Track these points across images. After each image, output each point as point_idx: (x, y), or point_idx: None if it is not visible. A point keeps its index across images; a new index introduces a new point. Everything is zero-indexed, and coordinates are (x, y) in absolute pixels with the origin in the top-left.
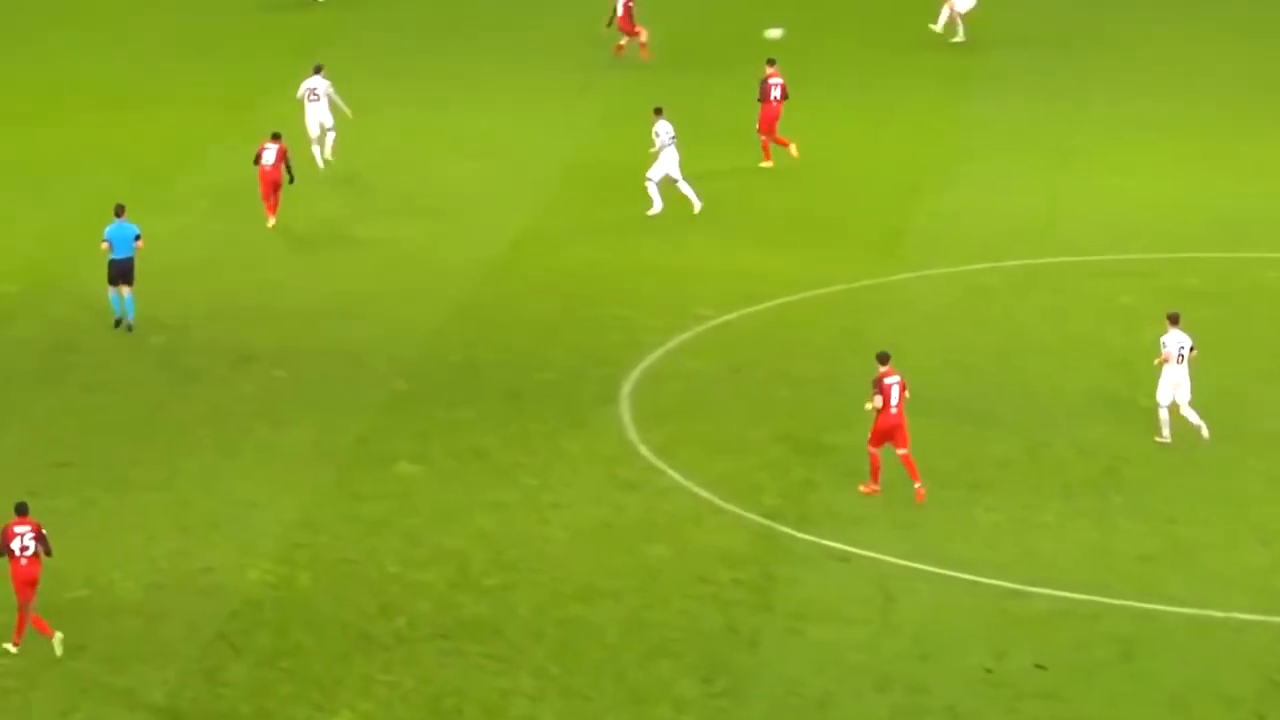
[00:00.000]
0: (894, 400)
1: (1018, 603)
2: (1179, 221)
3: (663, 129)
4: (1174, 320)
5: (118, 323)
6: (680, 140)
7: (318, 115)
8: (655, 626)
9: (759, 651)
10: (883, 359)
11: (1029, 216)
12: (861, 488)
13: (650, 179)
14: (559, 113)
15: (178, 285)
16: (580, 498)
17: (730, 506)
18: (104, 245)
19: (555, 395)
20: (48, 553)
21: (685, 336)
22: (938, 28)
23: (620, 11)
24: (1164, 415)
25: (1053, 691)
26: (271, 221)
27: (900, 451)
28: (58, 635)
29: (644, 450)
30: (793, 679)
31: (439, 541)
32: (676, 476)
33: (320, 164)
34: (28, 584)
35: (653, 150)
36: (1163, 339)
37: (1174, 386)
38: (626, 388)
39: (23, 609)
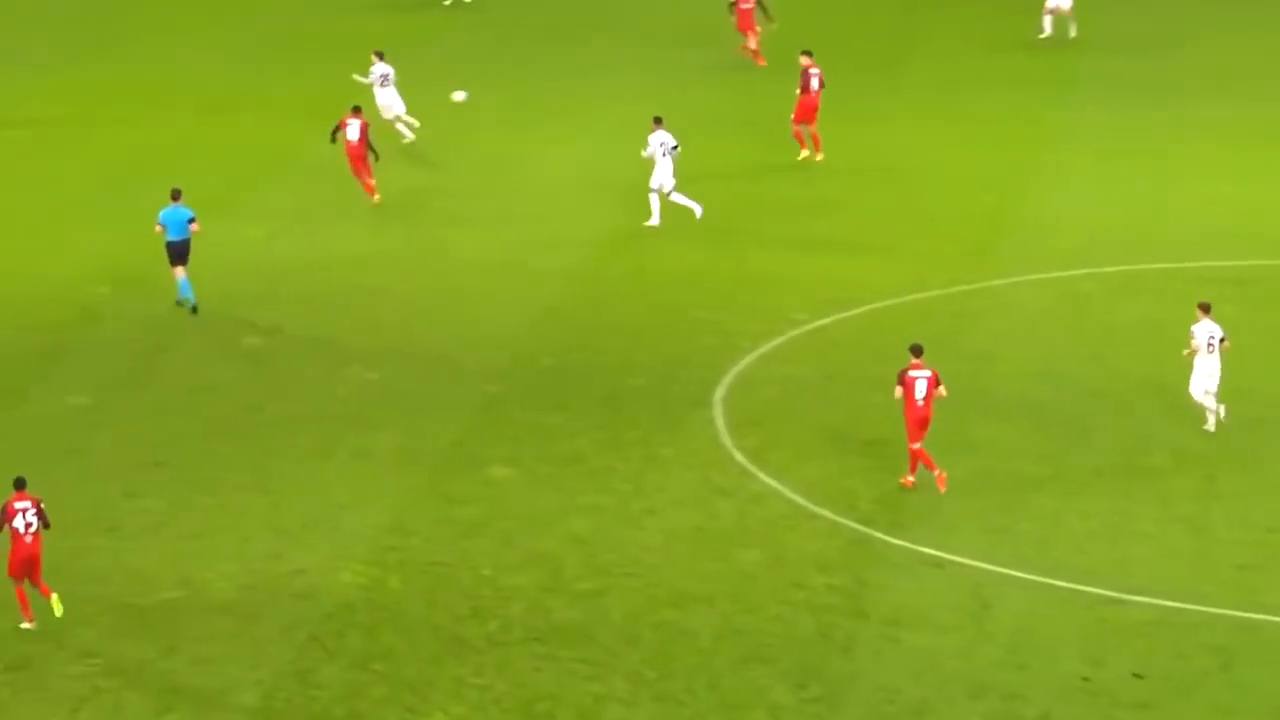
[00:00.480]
0: (919, 394)
1: (1114, 611)
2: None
3: (654, 140)
4: (1205, 310)
5: (194, 309)
6: (771, 145)
7: (388, 99)
8: (749, 632)
9: (853, 658)
10: (915, 351)
11: (1127, 222)
12: (940, 487)
13: (652, 189)
14: (650, 117)
15: (271, 288)
16: (673, 502)
17: (824, 512)
18: (157, 229)
19: (647, 400)
20: (46, 525)
21: (778, 341)
22: (1048, 33)
23: (737, 10)
24: (1209, 404)
25: (1150, 701)
26: (376, 199)
27: (914, 446)
28: (54, 595)
29: (737, 455)
30: (887, 686)
31: (531, 545)
32: (770, 481)
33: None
34: (29, 560)
35: (645, 155)
36: (1193, 328)
37: (1208, 376)
38: (719, 392)
39: (20, 586)
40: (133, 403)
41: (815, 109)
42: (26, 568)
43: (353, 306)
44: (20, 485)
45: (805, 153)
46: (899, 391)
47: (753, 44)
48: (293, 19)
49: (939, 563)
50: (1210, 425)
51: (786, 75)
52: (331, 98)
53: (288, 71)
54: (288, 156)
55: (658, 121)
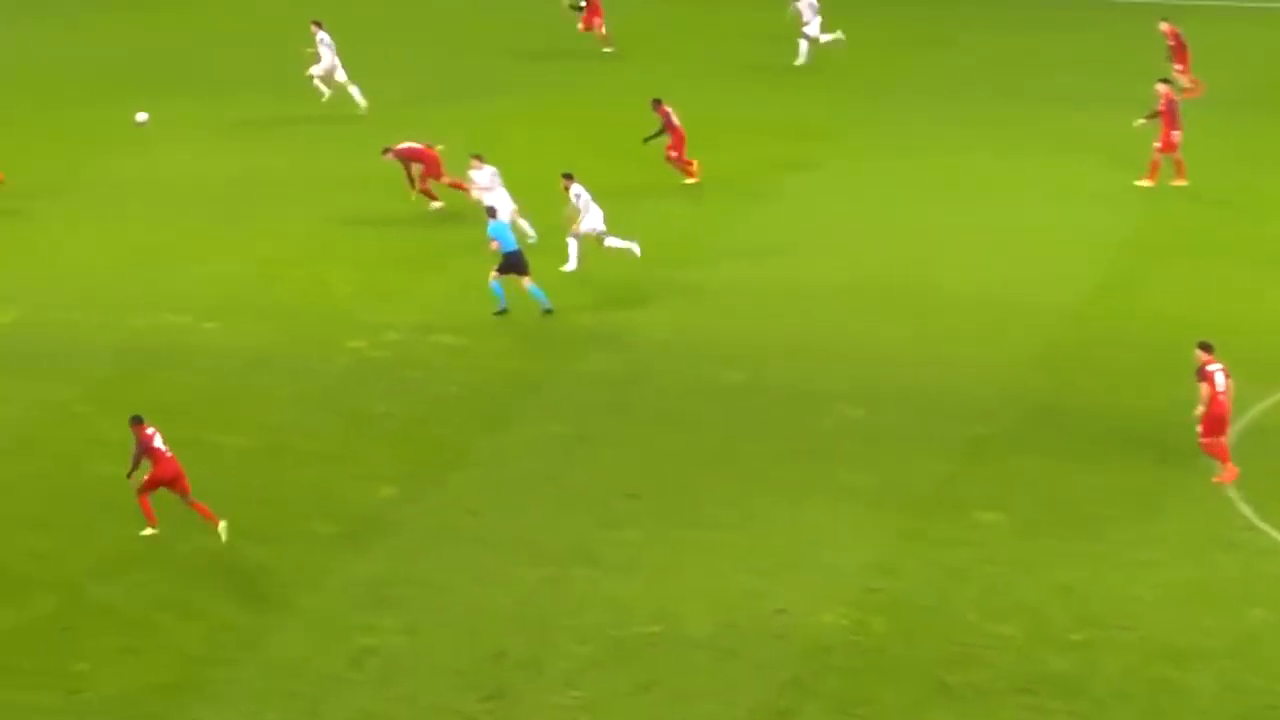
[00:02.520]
0: (1220, 386)
1: None
2: None
3: (576, 191)
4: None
5: (501, 311)
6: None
7: (330, 64)
8: (1252, 692)
9: None
10: (1206, 347)
11: None
12: (1214, 479)
13: (580, 235)
14: (1146, 155)
15: (755, 321)
16: (1172, 555)
17: None
18: (493, 244)
19: (1144, 446)
20: None
21: None
22: None
23: (1172, 44)
24: None
25: None
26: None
27: (1220, 439)
28: (223, 523)
29: (1243, 508)
30: None
31: (1019, 593)
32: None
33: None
34: (180, 477)
35: (570, 211)
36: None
37: None
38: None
39: (187, 499)
40: (611, 433)
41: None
42: (166, 483)
43: (836, 341)
44: (138, 421)
45: (1181, 181)
46: (1205, 390)
47: (1185, 80)
48: (763, 49)
49: None
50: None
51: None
52: (794, 126)
53: (750, 100)
54: (767, 187)
55: (568, 178)
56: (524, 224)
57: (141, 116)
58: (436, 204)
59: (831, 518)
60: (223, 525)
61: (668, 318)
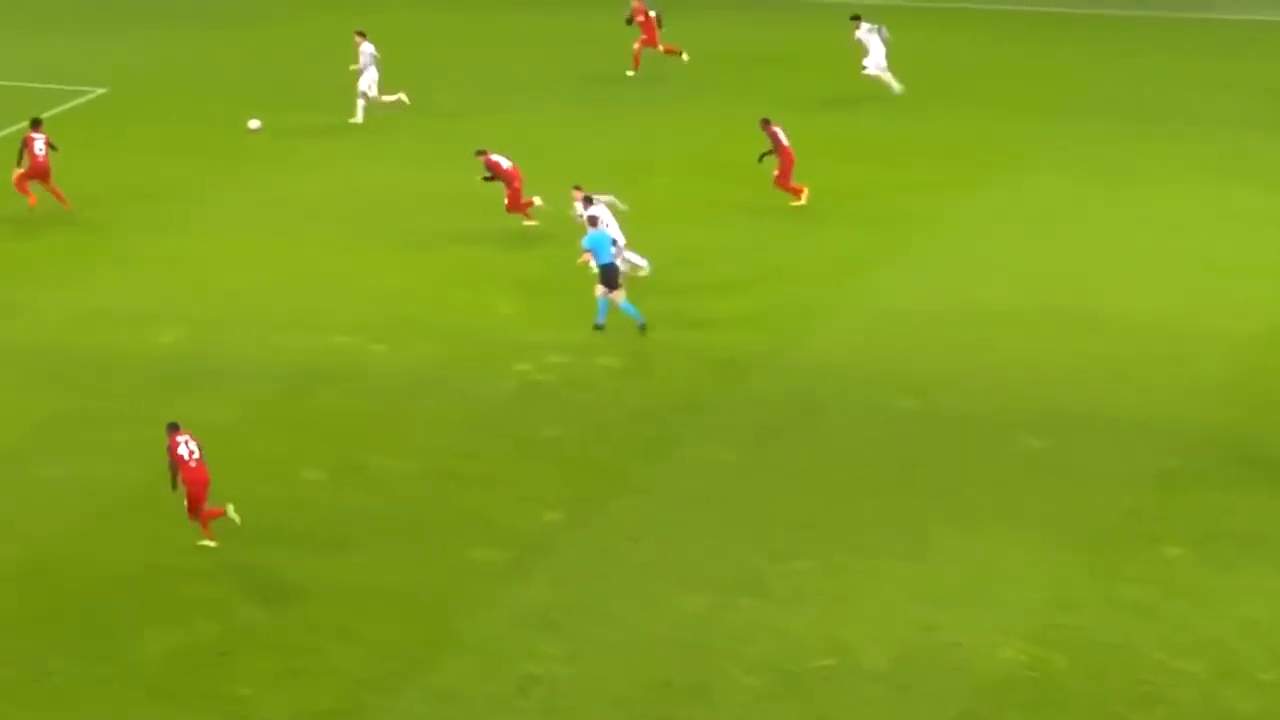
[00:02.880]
0: None
1: None
2: None
3: (599, 212)
4: None
5: (598, 327)
6: None
7: (371, 78)
8: None
9: None
10: None
11: None
12: None
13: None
14: None
15: (927, 346)
16: None
17: None
18: (585, 256)
19: None
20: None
21: None
22: None
23: None
24: None
25: None
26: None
27: None
28: (229, 506)
29: None
30: None
31: (1205, 629)
32: None
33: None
34: (204, 484)
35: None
36: None
37: None
38: None
39: (201, 509)
40: (778, 459)
41: None
42: (202, 489)
43: (1011, 367)
44: (174, 428)
45: None
46: None
47: None
48: (912, 70)
49: None
50: None
51: None
52: (960, 147)
53: (916, 121)
54: (929, 208)
55: (588, 201)
56: (634, 256)
57: (254, 124)
58: (530, 222)
59: (1008, 549)
60: (230, 507)
61: (834, 341)
